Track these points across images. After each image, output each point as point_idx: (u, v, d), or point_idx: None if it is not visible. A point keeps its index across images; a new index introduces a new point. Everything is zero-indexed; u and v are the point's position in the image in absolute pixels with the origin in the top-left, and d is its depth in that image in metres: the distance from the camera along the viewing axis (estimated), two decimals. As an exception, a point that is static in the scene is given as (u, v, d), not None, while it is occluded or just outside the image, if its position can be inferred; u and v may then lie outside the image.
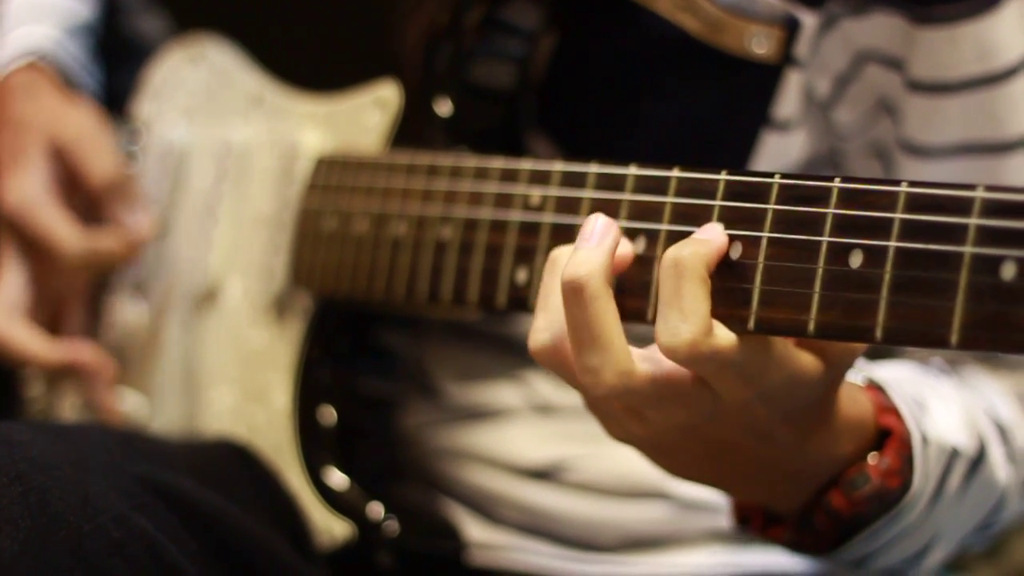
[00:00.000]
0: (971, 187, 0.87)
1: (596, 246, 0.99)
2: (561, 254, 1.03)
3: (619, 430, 1.06)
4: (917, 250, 0.89)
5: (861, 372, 1.13)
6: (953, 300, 0.87)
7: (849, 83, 1.25)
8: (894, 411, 1.11)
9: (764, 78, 1.25)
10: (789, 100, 1.25)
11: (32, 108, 1.51)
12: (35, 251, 1.48)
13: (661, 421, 1.02)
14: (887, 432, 1.10)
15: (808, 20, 1.22)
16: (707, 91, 1.28)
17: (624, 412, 1.04)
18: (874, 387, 1.12)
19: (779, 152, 1.27)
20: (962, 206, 0.87)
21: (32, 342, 1.47)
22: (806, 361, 0.99)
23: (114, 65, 1.62)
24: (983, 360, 1.26)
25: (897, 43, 1.21)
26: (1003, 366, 1.25)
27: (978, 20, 1.17)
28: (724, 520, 1.29)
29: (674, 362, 0.97)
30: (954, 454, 1.14)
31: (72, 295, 1.53)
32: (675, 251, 0.96)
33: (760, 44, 1.23)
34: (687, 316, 0.95)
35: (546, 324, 1.02)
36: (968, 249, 0.86)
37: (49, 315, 1.51)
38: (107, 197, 1.48)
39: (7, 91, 1.52)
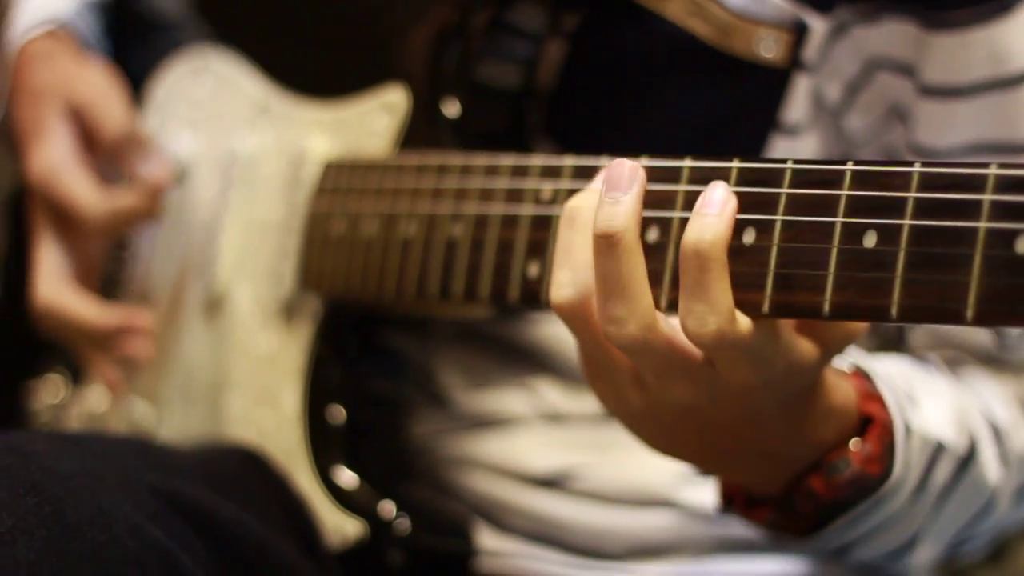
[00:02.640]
0: (984, 165, 0.88)
1: (629, 198, 1.00)
2: (579, 207, 1.04)
3: (616, 401, 1.07)
4: (931, 227, 0.89)
5: (849, 359, 1.13)
6: (968, 275, 0.87)
7: (860, 90, 1.26)
8: (879, 399, 1.11)
9: (773, 82, 1.25)
10: (798, 104, 1.26)
11: (49, 75, 1.51)
12: (66, 219, 1.48)
13: (662, 393, 1.03)
14: (870, 419, 1.11)
15: (817, 24, 1.23)
16: (716, 95, 1.28)
17: (628, 378, 1.04)
18: (860, 374, 1.13)
19: (788, 156, 1.27)
20: (976, 183, 0.88)
21: (86, 307, 1.47)
22: (806, 347, 1.01)
23: (130, 44, 1.63)
24: (986, 362, 1.26)
25: (909, 49, 1.22)
26: (1007, 368, 1.26)
27: (991, 25, 1.18)
28: (731, 529, 1.29)
29: (698, 347, 0.99)
30: (939, 448, 1.14)
31: (93, 265, 1.53)
32: (696, 239, 0.97)
33: (768, 48, 1.23)
34: (714, 306, 0.96)
35: (570, 279, 1.02)
36: (983, 224, 0.87)
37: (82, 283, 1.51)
38: (121, 151, 1.47)
39: (26, 60, 1.54)
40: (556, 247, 1.05)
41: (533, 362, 1.36)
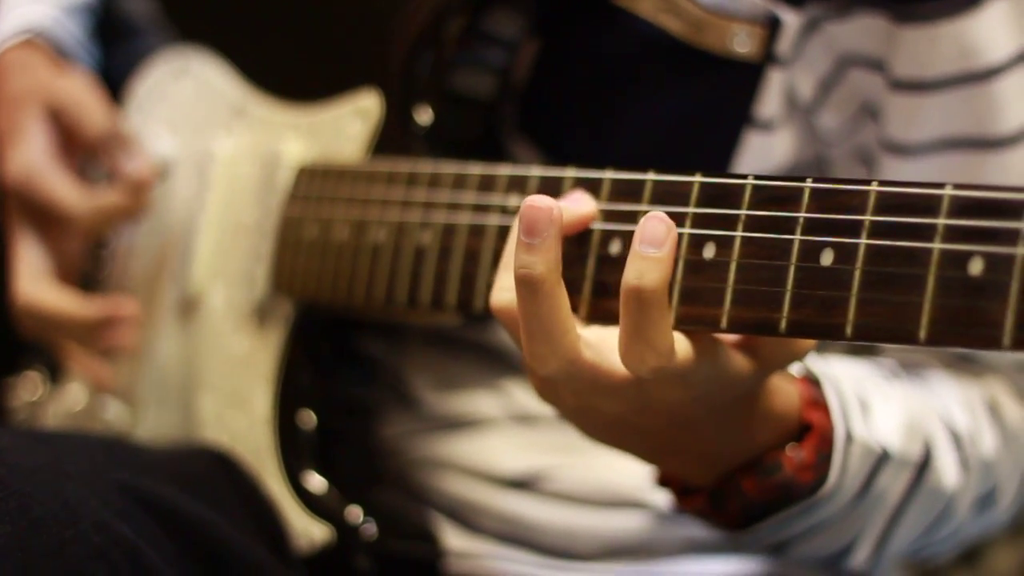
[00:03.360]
0: (940, 186, 0.89)
1: (547, 243, 0.99)
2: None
3: (551, 396, 1.08)
4: (887, 247, 0.90)
5: (802, 363, 1.14)
6: (922, 296, 0.88)
7: (832, 87, 1.26)
8: (823, 406, 1.12)
9: (746, 77, 1.25)
10: (771, 99, 1.26)
11: (26, 82, 1.52)
12: (46, 218, 1.48)
13: (590, 401, 1.04)
14: (809, 427, 1.12)
15: (790, 19, 1.22)
16: (690, 91, 1.29)
17: (560, 385, 1.05)
18: (807, 380, 1.14)
19: (762, 152, 1.28)
20: (931, 205, 0.88)
21: (67, 302, 1.47)
22: (740, 362, 1.02)
23: (107, 46, 1.63)
24: (949, 364, 1.27)
25: (879, 44, 1.22)
26: (970, 370, 1.27)
27: (959, 19, 1.17)
28: (700, 530, 1.30)
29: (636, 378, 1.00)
30: (884, 456, 1.15)
31: (72, 263, 1.53)
32: (635, 282, 0.97)
33: (742, 43, 1.24)
34: (654, 347, 0.97)
35: (510, 284, 1.03)
36: (937, 246, 0.88)
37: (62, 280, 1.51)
38: (104, 150, 1.48)
39: (2, 70, 1.54)
40: (504, 250, 1.06)
41: (503, 364, 1.37)
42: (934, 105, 1.20)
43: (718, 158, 1.28)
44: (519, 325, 1.02)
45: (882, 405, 1.16)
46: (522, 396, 1.36)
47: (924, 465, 1.18)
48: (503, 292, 1.04)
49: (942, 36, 1.18)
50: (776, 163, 1.29)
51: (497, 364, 1.37)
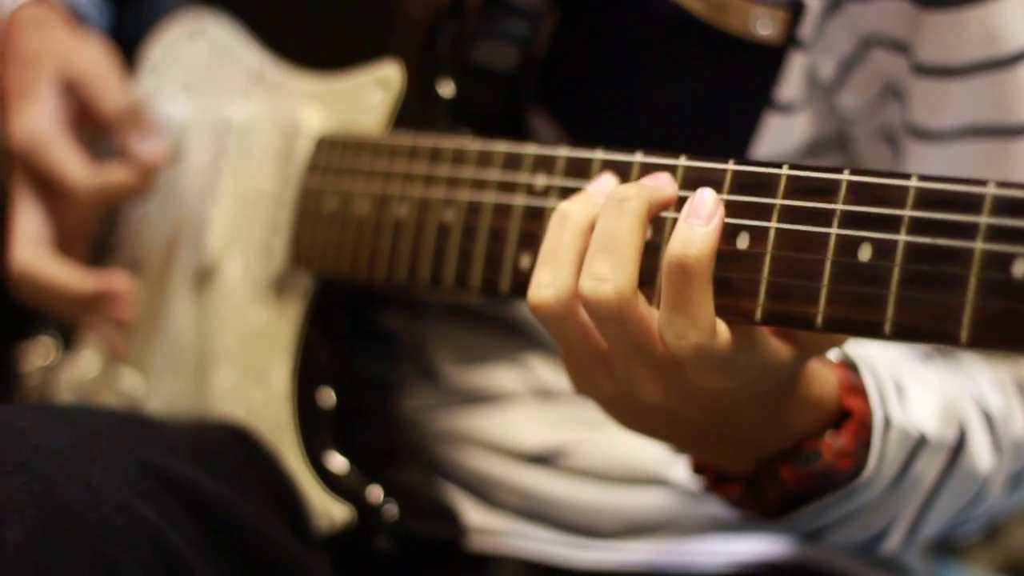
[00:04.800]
0: (982, 183, 0.87)
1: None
2: (572, 210, 1.02)
3: (587, 382, 1.06)
4: (927, 245, 0.88)
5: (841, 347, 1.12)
6: (964, 296, 0.86)
7: (854, 67, 1.24)
8: (862, 392, 1.11)
9: (767, 60, 1.24)
10: (792, 82, 1.24)
11: (41, 42, 1.49)
12: (49, 187, 1.46)
13: (630, 386, 1.03)
14: (848, 413, 1.10)
15: (813, 2, 1.21)
16: (710, 72, 1.27)
17: (601, 369, 1.04)
18: (845, 364, 1.12)
19: (781, 134, 1.26)
20: (973, 202, 0.87)
21: (63, 272, 1.44)
22: (782, 351, 1.00)
23: (123, 6, 1.60)
24: None
25: (903, 27, 1.20)
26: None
27: (985, 4, 1.16)
28: (726, 508, 1.29)
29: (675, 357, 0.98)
30: (921, 441, 1.14)
31: (80, 234, 1.51)
32: (681, 252, 0.96)
33: (764, 26, 1.22)
34: (695, 321, 0.96)
35: (551, 279, 1.01)
36: (979, 245, 0.86)
37: (64, 250, 1.49)
38: (119, 127, 1.45)
39: (16, 26, 1.51)
40: (543, 245, 1.03)
41: (525, 339, 1.36)
42: (959, 91, 1.19)
43: (737, 139, 1.26)
44: (560, 320, 1.01)
45: (918, 388, 1.15)
46: (544, 370, 1.35)
47: (959, 448, 1.17)
48: (543, 288, 1.02)
49: (967, 21, 1.16)
50: (796, 143, 1.27)
51: (519, 338, 1.35)
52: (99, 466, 1.13)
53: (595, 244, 0.99)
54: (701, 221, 0.96)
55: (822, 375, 1.09)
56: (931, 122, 1.21)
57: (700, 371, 0.99)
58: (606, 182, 1.05)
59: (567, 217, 1.03)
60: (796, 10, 1.21)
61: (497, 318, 1.36)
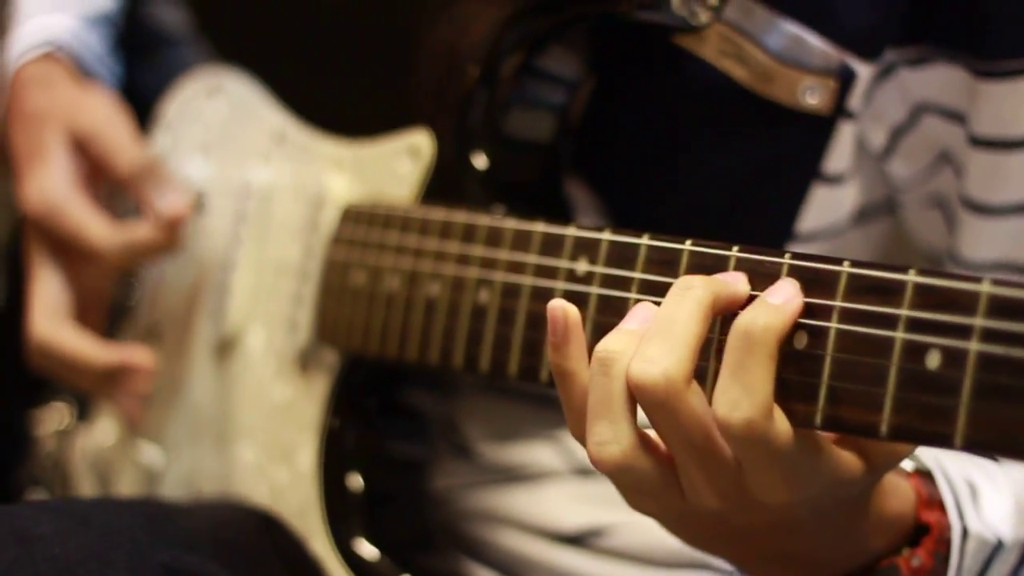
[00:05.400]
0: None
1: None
2: (615, 352, 0.95)
3: (642, 501, 1.01)
4: (1001, 356, 0.83)
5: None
6: None
7: (905, 134, 1.20)
8: (938, 504, 1.05)
9: (816, 130, 1.19)
10: (841, 153, 1.20)
11: (48, 100, 1.45)
12: (67, 251, 1.42)
13: (695, 499, 0.97)
14: (926, 528, 1.05)
15: (863, 71, 1.16)
16: (755, 142, 1.22)
17: (668, 489, 0.98)
18: (920, 474, 1.07)
19: (830, 205, 1.21)
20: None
21: (82, 345, 1.40)
22: (849, 462, 0.94)
23: (137, 58, 1.56)
24: None
25: (959, 96, 1.16)
26: None
27: None
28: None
29: (725, 437, 0.92)
30: (998, 547, 1.09)
31: (98, 298, 1.46)
32: (748, 320, 0.91)
33: (813, 95, 1.17)
34: (750, 392, 0.90)
35: (612, 434, 0.95)
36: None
37: (82, 317, 1.45)
38: (135, 183, 1.41)
39: (21, 84, 1.47)
40: (590, 396, 0.97)
41: (562, 414, 1.30)
42: (1017, 165, 1.14)
43: (783, 212, 1.21)
44: (637, 479, 0.96)
45: (989, 489, 1.10)
46: (581, 448, 1.29)
47: None
48: (605, 446, 0.96)
49: None
50: (845, 213, 1.23)
51: (556, 414, 1.29)
52: (120, 574, 1.10)
53: (651, 328, 0.94)
54: (777, 300, 0.92)
55: (900, 490, 1.03)
56: (988, 196, 1.17)
57: (756, 469, 0.93)
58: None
59: (611, 364, 0.95)
60: (846, 78, 1.16)
61: (533, 394, 1.31)
